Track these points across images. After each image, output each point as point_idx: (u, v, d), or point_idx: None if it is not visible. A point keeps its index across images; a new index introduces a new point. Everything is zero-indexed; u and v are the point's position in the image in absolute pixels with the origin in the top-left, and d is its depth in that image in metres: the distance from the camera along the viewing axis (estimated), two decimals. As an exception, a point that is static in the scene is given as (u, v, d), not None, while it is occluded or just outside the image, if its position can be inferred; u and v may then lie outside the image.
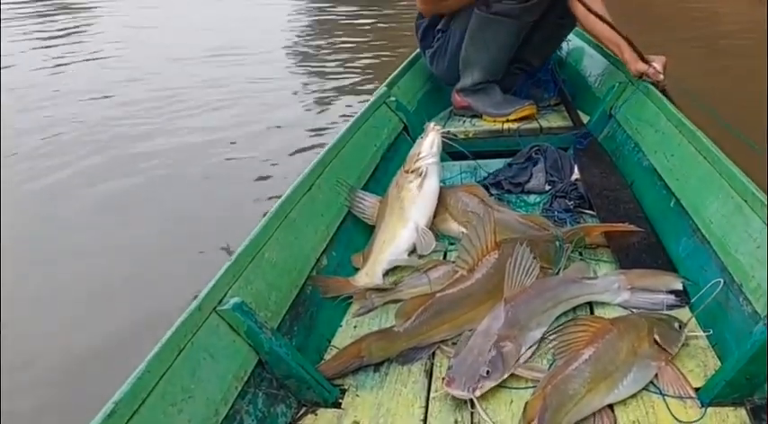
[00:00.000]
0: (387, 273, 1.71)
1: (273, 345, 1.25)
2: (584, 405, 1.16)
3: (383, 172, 2.12)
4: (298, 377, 1.27)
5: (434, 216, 1.89)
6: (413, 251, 1.82)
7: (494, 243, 1.51)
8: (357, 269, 1.73)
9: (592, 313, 1.50)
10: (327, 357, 1.43)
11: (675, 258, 1.62)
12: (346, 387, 1.34)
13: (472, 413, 1.23)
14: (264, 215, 1.53)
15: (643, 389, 1.24)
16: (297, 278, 1.51)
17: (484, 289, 1.46)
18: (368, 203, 1.90)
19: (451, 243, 1.86)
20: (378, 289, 1.61)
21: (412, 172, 1.90)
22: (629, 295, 1.50)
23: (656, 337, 1.27)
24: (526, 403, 1.14)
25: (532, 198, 2.11)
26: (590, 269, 1.59)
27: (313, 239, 1.65)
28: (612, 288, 1.50)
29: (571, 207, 1.97)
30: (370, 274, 1.69)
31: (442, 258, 1.80)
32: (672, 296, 1.48)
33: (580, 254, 1.72)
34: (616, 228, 1.71)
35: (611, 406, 1.20)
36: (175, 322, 1.16)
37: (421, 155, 1.92)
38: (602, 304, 1.51)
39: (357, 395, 1.31)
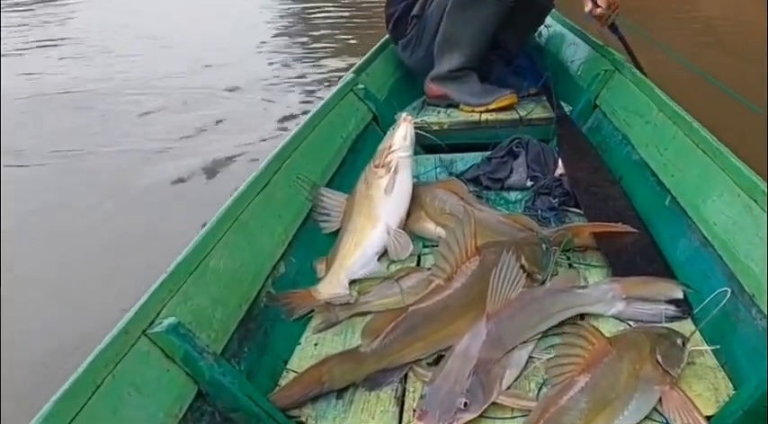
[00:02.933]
0: (353, 282, 1.52)
1: (216, 373, 1.06)
2: (580, 441, 0.99)
3: (350, 167, 1.93)
4: (245, 410, 1.08)
5: (408, 216, 1.71)
6: (383, 255, 1.64)
7: (474, 248, 1.33)
8: (319, 278, 1.54)
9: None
10: (283, 382, 1.24)
11: (674, 262, 1.46)
12: (304, 419, 1.15)
13: (449, 449, 1.05)
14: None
15: (646, 418, 1.07)
16: (248, 290, 1.31)
17: (463, 301, 1.28)
18: (333, 202, 1.71)
19: (426, 246, 1.68)
20: (342, 301, 1.42)
21: (382, 166, 1.72)
22: (624, 305, 1.33)
23: (659, 357, 1.11)
24: None
25: (513, 195, 1.93)
26: (580, 277, 1.42)
27: (269, 244, 1.45)
28: (606, 298, 1.33)
29: (556, 204, 1.80)
30: (335, 283, 1.50)
31: (416, 263, 1.62)
32: (672, 307, 1.32)
33: (567, 258, 1.56)
34: (607, 228, 1.54)
35: (610, 440, 1.03)
36: (94, 350, 0.96)
37: (392, 148, 1.74)
38: (595, 316, 1.34)
39: (316, 429, 1.13)
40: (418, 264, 1.62)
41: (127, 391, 0.96)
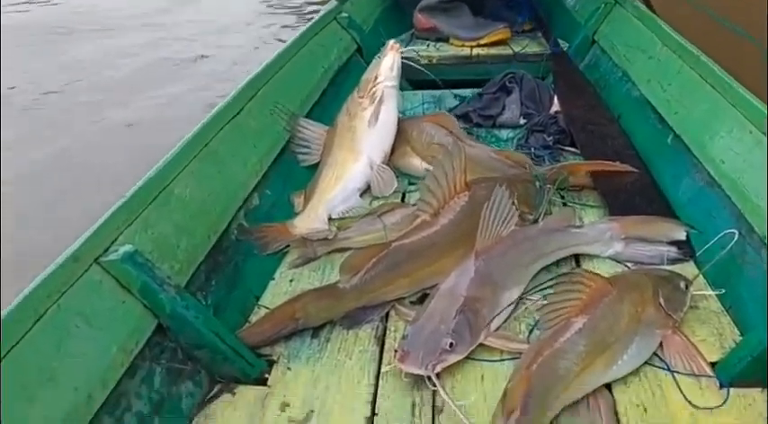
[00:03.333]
0: (333, 218, 1.41)
1: (178, 306, 0.96)
2: (576, 387, 0.91)
3: (332, 98, 1.80)
4: (211, 346, 0.99)
5: (393, 151, 1.60)
6: (366, 191, 1.53)
7: (463, 183, 1.23)
8: (297, 212, 1.43)
9: (578, 264, 1.24)
10: (254, 318, 1.14)
11: (675, 202, 1.37)
12: (275, 358, 1.06)
13: (434, 392, 0.96)
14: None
15: (646, 363, 0.99)
16: (217, 220, 1.20)
17: (450, 238, 1.19)
18: (312, 133, 1.59)
19: (412, 183, 1.57)
20: (321, 237, 1.31)
21: (366, 97, 1.59)
22: (623, 246, 1.24)
23: (661, 300, 1.02)
24: (506, 390, 0.88)
25: (505, 133, 1.82)
26: (575, 216, 1.32)
27: (241, 174, 1.34)
28: (603, 238, 1.24)
29: (550, 142, 1.69)
30: (313, 217, 1.39)
31: (400, 200, 1.52)
32: (674, 248, 1.23)
33: (562, 197, 1.46)
34: (604, 167, 1.44)
35: (608, 385, 0.95)
36: (38, 276, 0.85)
37: (378, 79, 1.61)
38: (590, 257, 1.25)
39: (288, 368, 1.04)
40: (402, 201, 1.52)
41: (74, 322, 0.85)
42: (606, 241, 1.24)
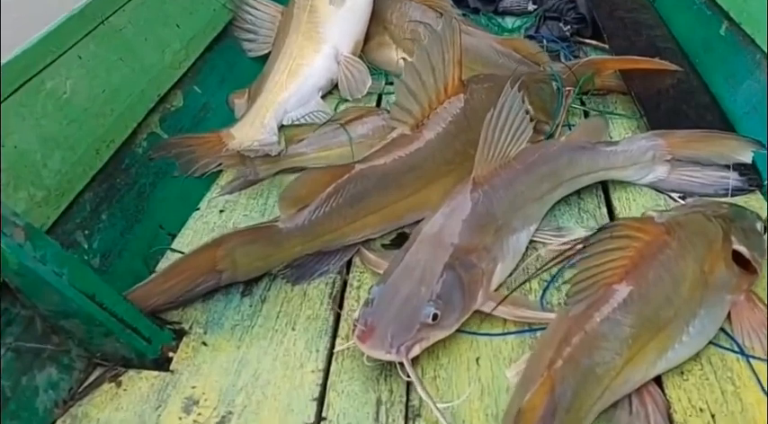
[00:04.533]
0: (284, 127, 1.08)
1: (26, 257, 0.63)
2: (618, 387, 0.61)
3: None
4: (83, 314, 0.67)
5: (366, 39, 1.24)
6: (329, 92, 1.19)
7: (457, 81, 0.89)
8: (237, 119, 1.09)
9: (608, 199, 0.93)
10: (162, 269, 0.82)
11: (732, 112, 1.05)
12: (186, 326, 0.75)
13: (408, 385, 0.67)
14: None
15: (709, 343, 0.70)
16: (114, 127, 0.87)
17: (438, 159, 0.87)
18: (261, 12, 1.23)
19: (391, 83, 1.23)
20: (265, 152, 0.98)
21: (333, -36, 1.21)
22: (667, 170, 0.93)
23: (739, 247, 0.72)
24: (521, 407, 0.57)
25: (510, 21, 1.48)
26: (607, 129, 0.99)
27: (156, 64, 0.99)
28: (643, 160, 0.92)
29: (567, 33, 1.34)
30: (257, 125, 1.06)
31: (375, 104, 1.18)
32: (735, 174, 0.91)
33: (583, 104, 1.13)
34: (639, 64, 1.11)
35: (658, 379, 0.66)
36: None
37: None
38: (623, 185, 0.94)
39: (204, 344, 0.73)
40: (378, 106, 1.18)
41: None
42: (646, 163, 0.92)
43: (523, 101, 0.82)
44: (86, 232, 0.78)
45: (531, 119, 0.86)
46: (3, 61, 0.75)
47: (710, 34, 1.18)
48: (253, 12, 1.22)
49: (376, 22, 1.24)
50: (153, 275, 0.77)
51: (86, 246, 0.77)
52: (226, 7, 1.19)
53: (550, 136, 1.00)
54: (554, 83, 1.05)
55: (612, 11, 1.32)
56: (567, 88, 1.07)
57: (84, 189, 0.80)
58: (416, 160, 0.85)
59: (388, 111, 1.01)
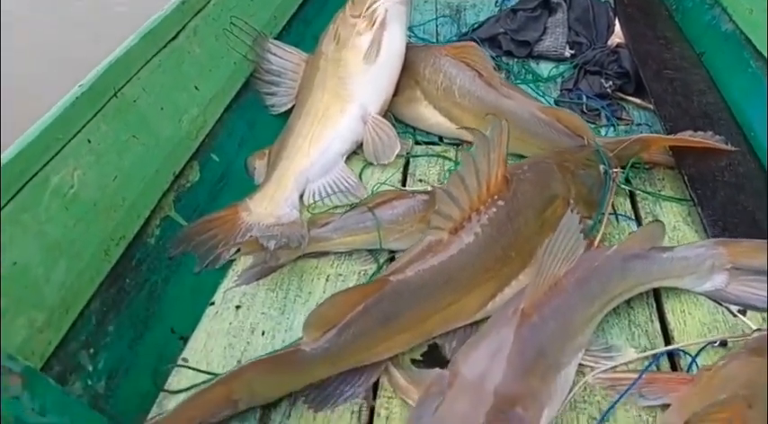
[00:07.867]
0: (304, 196, 1.00)
1: (23, 413, 0.56)
2: None
3: (314, 13, 1.33)
4: None
5: (395, 94, 1.15)
6: (354, 152, 1.11)
7: (501, 178, 0.80)
8: (256, 185, 1.01)
9: (660, 310, 0.85)
10: (175, 382, 0.75)
11: None
12: (199, 464, 0.68)
13: None
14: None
15: None
16: (126, 219, 0.80)
17: (477, 266, 0.79)
18: (286, 61, 1.15)
19: (420, 142, 1.15)
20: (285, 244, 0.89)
21: (363, 15, 1.13)
22: (727, 279, 0.85)
23: None
24: None
25: (546, 69, 1.38)
26: (663, 235, 0.90)
27: (174, 135, 0.91)
28: (701, 269, 0.84)
29: (609, 89, 1.25)
30: (278, 197, 0.98)
31: (402, 168, 1.10)
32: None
33: (627, 181, 1.04)
34: (693, 144, 1.02)
35: None
36: None
37: (380, -11, 1.14)
38: (676, 292, 0.86)
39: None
40: (406, 168, 1.10)
41: None
42: (704, 273, 0.84)
43: (581, 222, 0.73)
44: (91, 350, 0.71)
45: (583, 231, 0.78)
46: (3, 159, 0.67)
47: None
48: (275, 61, 1.14)
49: (407, 75, 1.16)
50: (165, 414, 0.70)
51: (91, 368, 0.70)
52: (247, 58, 1.10)
53: (593, 227, 0.91)
54: (601, 167, 0.97)
55: (659, 70, 1.23)
56: (615, 170, 0.99)
57: (91, 299, 0.72)
58: (453, 270, 0.78)
59: (421, 191, 0.93)
